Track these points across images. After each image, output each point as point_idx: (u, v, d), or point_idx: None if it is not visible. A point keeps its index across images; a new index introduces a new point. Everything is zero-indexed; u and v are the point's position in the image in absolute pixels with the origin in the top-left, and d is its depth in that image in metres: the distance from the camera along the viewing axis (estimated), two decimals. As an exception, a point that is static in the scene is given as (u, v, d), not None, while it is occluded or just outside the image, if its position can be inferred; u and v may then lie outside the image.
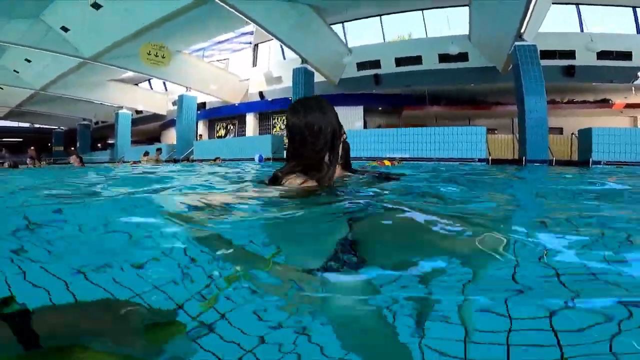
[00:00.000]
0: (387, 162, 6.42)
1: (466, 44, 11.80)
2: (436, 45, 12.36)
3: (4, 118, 21.56)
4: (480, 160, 8.46)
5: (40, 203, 1.43)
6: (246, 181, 1.96)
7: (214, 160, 9.52)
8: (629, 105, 12.82)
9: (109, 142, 25.16)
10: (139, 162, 11.28)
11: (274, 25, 10.04)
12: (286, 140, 1.26)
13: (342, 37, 12.95)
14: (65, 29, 10.41)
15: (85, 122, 21.56)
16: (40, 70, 13.59)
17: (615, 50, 10.87)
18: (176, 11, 9.50)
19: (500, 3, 8.14)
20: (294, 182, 1.13)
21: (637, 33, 11.10)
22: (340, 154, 1.27)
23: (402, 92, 14.32)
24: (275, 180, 1.18)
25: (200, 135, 17.97)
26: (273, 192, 1.14)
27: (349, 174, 2.02)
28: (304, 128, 1.12)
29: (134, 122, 19.28)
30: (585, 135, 7.92)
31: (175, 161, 12.75)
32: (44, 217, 0.98)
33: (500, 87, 12.48)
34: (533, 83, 8.29)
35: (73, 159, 7.63)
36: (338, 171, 1.94)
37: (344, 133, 1.30)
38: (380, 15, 12.92)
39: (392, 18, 13.07)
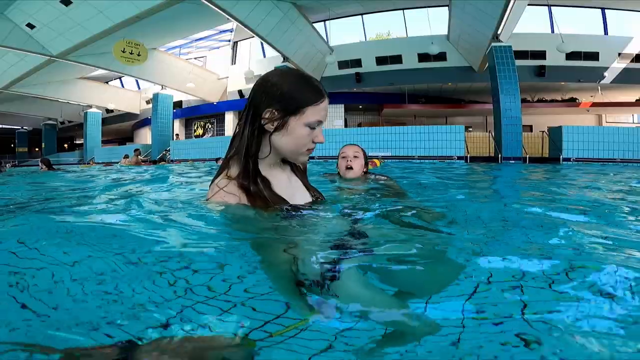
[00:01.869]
0: (377, 162, 6.51)
1: (445, 44, 12.05)
2: (416, 44, 12.56)
3: (-39, 118, 20.02)
4: (459, 157, 8.72)
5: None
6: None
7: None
8: (595, 104, 13.59)
9: (77, 142, 23.94)
10: (115, 163, 10.80)
11: (256, 23, 9.88)
12: None
13: (324, 36, 12.92)
14: (31, 26, 9.82)
15: (51, 122, 20.35)
16: (1, 68, 12.65)
17: (583, 50, 11.33)
18: (151, 9, 9.09)
19: (479, 4, 8.40)
20: None
21: (604, 34, 11.66)
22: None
23: (382, 91, 14.51)
24: None
25: (177, 135, 17.40)
26: None
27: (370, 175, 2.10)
28: None
29: (104, 121, 18.40)
30: (556, 133, 8.34)
31: (153, 162, 12.27)
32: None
33: (476, 86, 12.92)
34: (508, 83, 8.63)
35: (40, 165, 7.29)
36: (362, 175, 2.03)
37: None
38: (362, 14, 12.98)
39: (373, 17, 13.18)
